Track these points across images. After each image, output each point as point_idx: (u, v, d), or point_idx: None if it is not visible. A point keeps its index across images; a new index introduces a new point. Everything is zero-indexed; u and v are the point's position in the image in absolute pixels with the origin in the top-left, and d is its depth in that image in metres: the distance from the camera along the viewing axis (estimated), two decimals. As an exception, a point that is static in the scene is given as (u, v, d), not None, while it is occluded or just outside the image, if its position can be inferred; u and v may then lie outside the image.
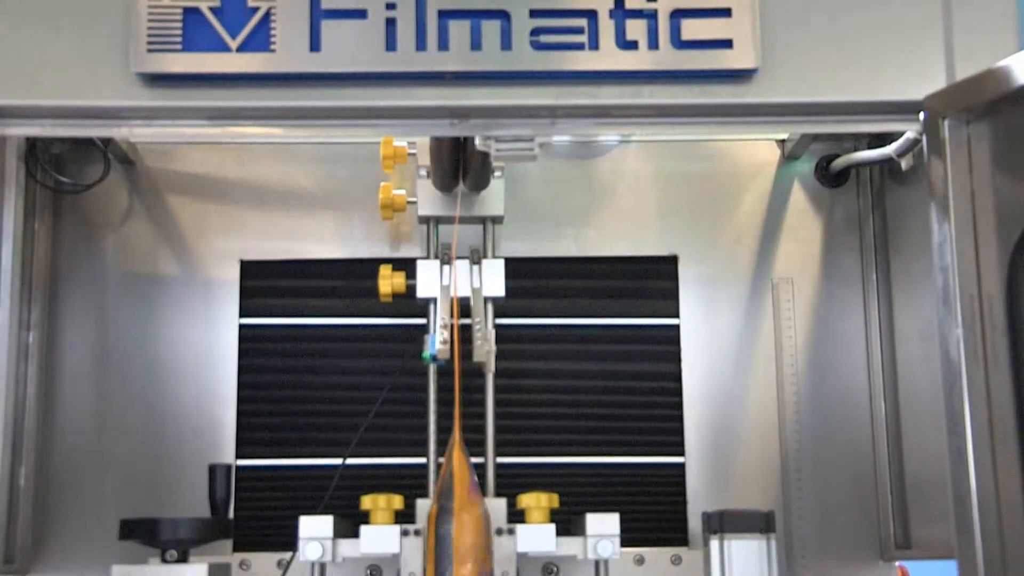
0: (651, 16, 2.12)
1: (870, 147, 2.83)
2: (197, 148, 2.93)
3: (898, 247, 2.86)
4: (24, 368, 2.70)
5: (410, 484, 2.61)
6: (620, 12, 2.12)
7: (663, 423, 2.87)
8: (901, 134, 2.60)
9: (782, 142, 2.98)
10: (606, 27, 2.11)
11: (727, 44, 2.11)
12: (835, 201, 2.97)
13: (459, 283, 2.62)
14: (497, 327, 2.69)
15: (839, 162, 2.91)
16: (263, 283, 2.90)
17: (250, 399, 2.84)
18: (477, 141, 2.19)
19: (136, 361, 2.83)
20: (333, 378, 2.87)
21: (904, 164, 2.65)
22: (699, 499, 2.78)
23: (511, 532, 2.41)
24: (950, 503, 1.69)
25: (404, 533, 2.40)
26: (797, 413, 2.85)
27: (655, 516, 2.81)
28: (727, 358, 2.89)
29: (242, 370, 2.85)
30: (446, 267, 2.64)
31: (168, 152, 2.93)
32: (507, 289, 2.67)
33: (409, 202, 2.74)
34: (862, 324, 2.90)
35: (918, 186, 2.65)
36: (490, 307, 2.67)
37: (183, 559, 2.29)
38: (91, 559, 2.64)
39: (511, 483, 2.61)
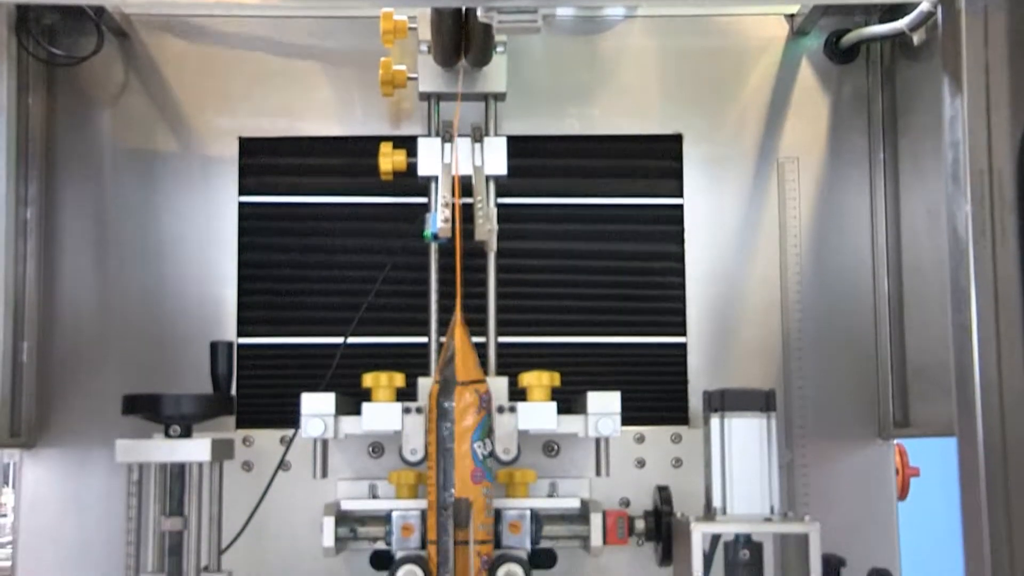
0: None
1: (881, 22, 2.77)
2: (193, 22, 2.87)
3: (907, 125, 2.81)
4: (23, 244, 2.70)
5: (412, 363, 2.62)
6: None
7: (665, 303, 2.87)
8: (914, 7, 2.54)
9: (791, 17, 2.91)
10: None
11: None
12: (843, 78, 2.91)
13: (461, 161, 2.59)
14: (499, 206, 2.67)
15: (849, 37, 2.85)
16: (262, 161, 2.87)
17: (251, 277, 2.84)
18: (479, 12, 2.13)
19: (136, 238, 2.82)
20: (334, 257, 2.86)
21: (916, 39, 2.60)
22: (700, 378, 2.80)
23: (512, 410, 2.43)
24: (952, 380, 1.69)
25: (406, 411, 2.41)
26: (800, 293, 2.85)
27: (656, 395, 2.83)
28: (730, 238, 2.88)
29: (242, 248, 2.84)
30: (447, 145, 2.60)
31: (164, 25, 2.87)
32: (509, 168, 2.64)
33: (410, 78, 2.69)
34: (867, 204, 2.88)
35: (929, 63, 2.60)
36: (492, 186, 2.64)
37: (186, 434, 2.31)
38: (96, 434, 2.67)
39: (513, 363, 2.62)
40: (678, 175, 2.89)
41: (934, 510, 3.67)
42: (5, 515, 2.91)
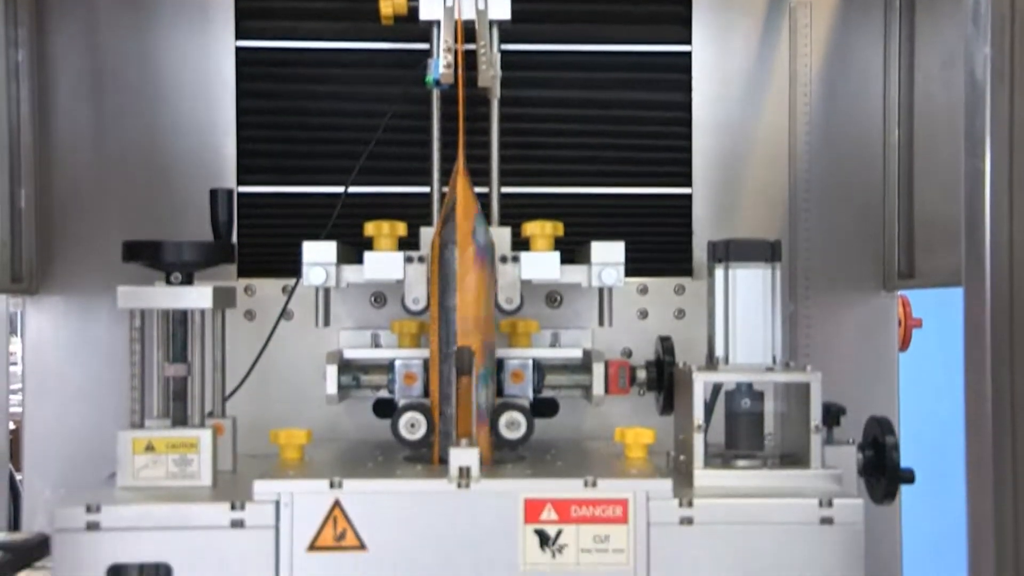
0: None
1: None
2: None
3: (924, -30, 2.73)
4: (15, 87, 2.65)
5: (414, 213, 2.60)
6: None
7: (671, 153, 2.84)
8: None
9: None
10: None
11: None
12: (860, -81, 2.82)
13: (463, 5, 2.51)
14: (502, 53, 2.60)
15: None
16: (259, 3, 2.79)
17: (250, 125, 2.80)
18: None
19: (131, 83, 2.78)
20: (334, 104, 2.81)
21: None
22: (704, 229, 2.78)
23: (515, 260, 2.41)
24: (962, 227, 1.66)
25: (408, 260, 2.40)
26: (808, 143, 2.81)
27: (660, 246, 2.81)
28: (739, 87, 2.82)
29: (240, 95, 2.79)
30: (450, -13, 2.52)
31: None
32: (513, 12, 2.55)
33: (411, -79, 2.59)
34: (880, 52, 2.82)
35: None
36: (495, 31, 2.56)
37: (188, 282, 2.30)
38: (97, 281, 2.67)
39: (516, 213, 2.59)
40: (686, 21, 2.82)
41: (932, 361, 3.70)
42: (15, 363, 2.94)
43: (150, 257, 2.29)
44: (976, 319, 1.64)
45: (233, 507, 2.05)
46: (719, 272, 2.32)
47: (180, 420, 2.32)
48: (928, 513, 3.34)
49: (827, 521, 2.07)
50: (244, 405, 2.53)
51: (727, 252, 2.31)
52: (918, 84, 2.74)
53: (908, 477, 2.27)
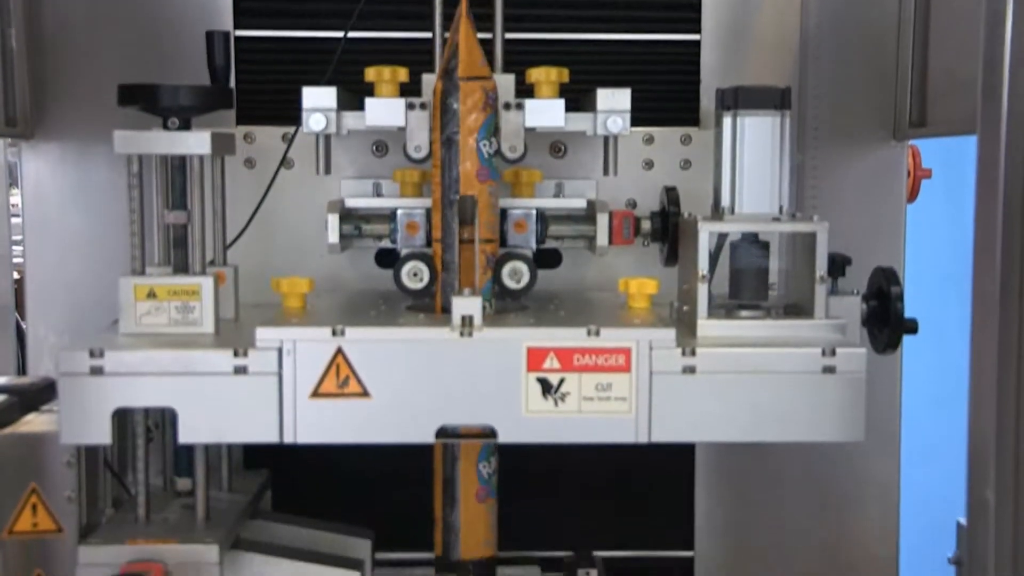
0: None
1: None
2: None
3: None
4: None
5: (416, 59, 2.53)
6: None
7: (679, -2, 2.76)
8: None
9: None
10: None
11: None
12: None
13: None
14: None
15: None
16: None
17: (245, -36, 2.71)
18: None
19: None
20: (332, -57, 2.72)
21: None
22: (713, 77, 2.71)
23: (519, 107, 2.36)
24: (979, 70, 1.62)
25: (410, 106, 2.35)
26: (822, -13, 2.72)
27: (667, 95, 2.76)
28: (751, -74, 2.72)
29: (235, -67, 2.70)
30: None
31: None
32: None
33: None
34: None
35: None
36: None
37: (185, 127, 2.25)
38: (94, 126, 2.62)
39: (520, 59, 2.52)
40: None
41: (939, 212, 3.69)
42: (17, 215, 2.92)
43: (146, 101, 2.24)
44: (989, 166, 1.61)
45: (236, 354, 2.05)
46: (727, 120, 2.27)
47: (181, 268, 2.31)
48: (928, 363, 3.37)
49: (829, 370, 2.07)
50: (245, 255, 2.52)
51: (735, 99, 2.25)
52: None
53: (911, 327, 2.27)
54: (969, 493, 1.56)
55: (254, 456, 2.69)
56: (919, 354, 2.83)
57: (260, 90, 2.72)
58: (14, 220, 3.17)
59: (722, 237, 2.32)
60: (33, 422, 2.25)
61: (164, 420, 2.42)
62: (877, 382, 2.16)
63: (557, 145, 2.74)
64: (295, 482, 2.74)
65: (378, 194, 2.70)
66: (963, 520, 2.74)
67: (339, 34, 2.59)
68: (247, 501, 2.43)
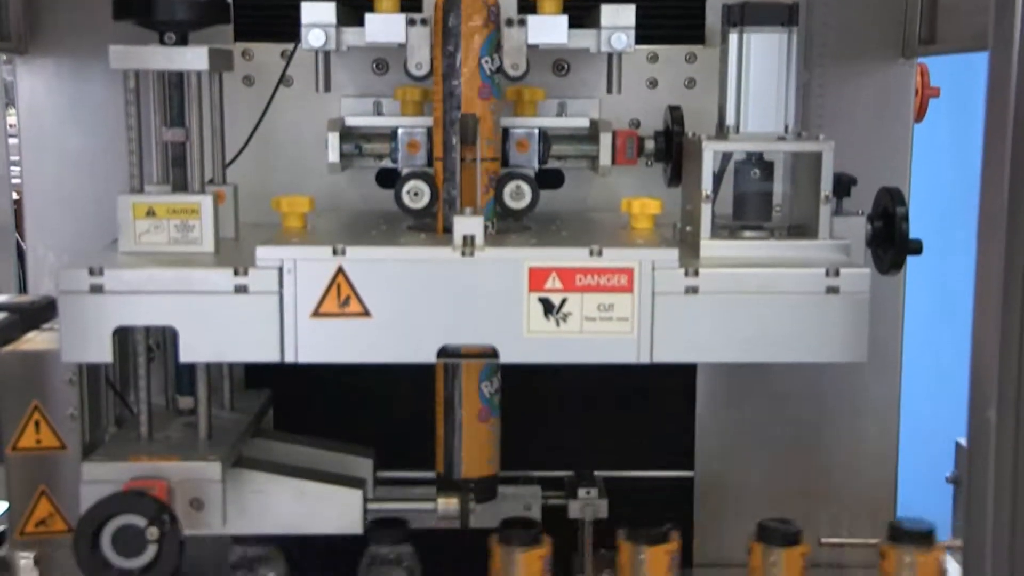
0: None
1: None
2: None
3: None
4: None
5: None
6: None
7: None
8: None
9: None
10: None
11: None
12: None
13: None
14: None
15: None
16: None
17: None
18: None
19: None
20: None
21: None
22: (719, -7, 2.66)
23: (521, 23, 2.32)
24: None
25: (410, 22, 2.30)
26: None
27: (671, 12, 2.70)
28: None
29: None
30: None
31: None
32: None
33: None
34: None
35: None
36: None
37: (182, 42, 2.22)
38: (89, 41, 2.58)
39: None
40: None
41: (944, 132, 3.66)
42: (15, 136, 2.89)
43: (141, 14, 2.20)
44: (1000, 84, 1.58)
45: (236, 273, 2.04)
46: (733, 38, 2.23)
47: (180, 186, 2.28)
48: (931, 285, 3.36)
49: (833, 291, 2.06)
50: (245, 174, 2.49)
51: (742, 16, 2.22)
52: None
53: (916, 248, 2.26)
54: (971, 413, 1.55)
55: (256, 376, 2.70)
56: (923, 275, 2.81)
57: (258, 5, 2.67)
58: (11, 140, 3.15)
59: (726, 157, 2.30)
60: (34, 340, 2.25)
61: (165, 339, 2.42)
62: (880, 303, 2.16)
63: (560, 63, 2.70)
64: (297, 402, 2.75)
65: (379, 113, 2.67)
66: (962, 440, 2.76)
67: (338, -53, 2.54)
68: (249, 420, 2.44)
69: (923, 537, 2.37)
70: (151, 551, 1.99)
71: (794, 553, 2.36)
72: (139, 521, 1.98)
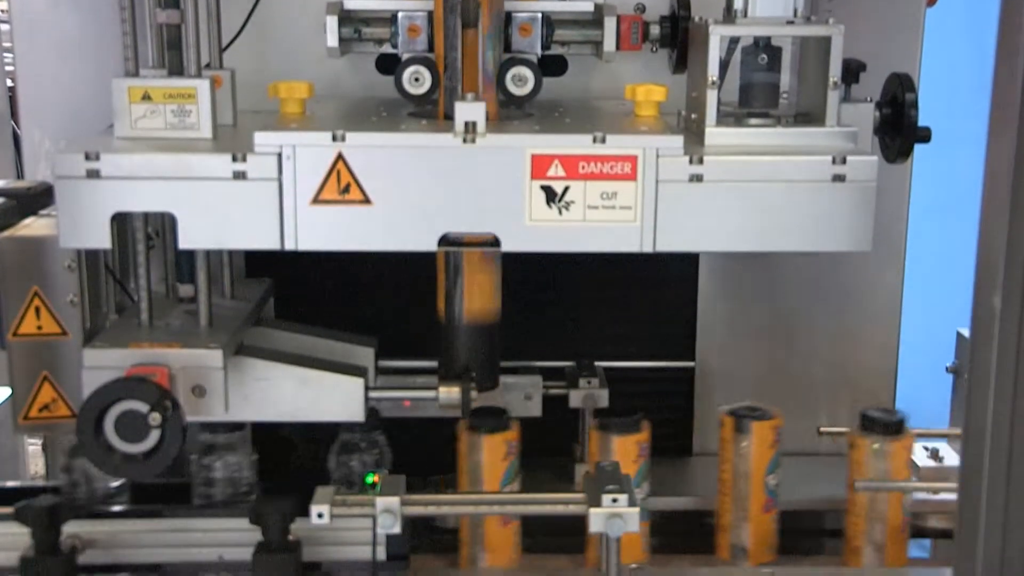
0: None
1: None
2: None
3: None
4: None
5: None
6: None
7: None
8: None
9: None
10: None
11: None
12: None
13: None
14: None
15: None
16: None
17: None
18: None
19: None
20: None
21: None
22: None
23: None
24: None
25: None
26: None
27: None
28: None
29: None
30: None
31: None
32: None
33: None
34: None
35: None
36: None
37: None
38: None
39: None
40: None
41: (958, 18, 3.58)
42: (6, 21, 2.83)
43: None
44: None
45: (235, 158, 2.01)
46: None
47: (176, 70, 2.24)
48: (938, 174, 3.33)
49: (839, 179, 2.04)
50: (242, 60, 2.45)
51: None
52: None
53: (924, 135, 2.22)
54: (975, 298, 1.54)
55: (256, 266, 2.68)
56: (930, 164, 2.78)
57: None
58: (3, 27, 3.09)
59: (733, 42, 2.25)
60: (32, 226, 2.24)
61: (164, 227, 2.40)
62: (885, 192, 2.13)
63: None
64: (298, 291, 2.75)
65: (378, -5, 2.61)
66: (963, 331, 2.77)
67: None
68: (249, 309, 2.44)
69: (893, 427, 2.38)
70: (154, 436, 2.00)
71: (764, 426, 2.40)
72: (141, 407, 1.99)
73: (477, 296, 2.32)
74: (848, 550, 2.45)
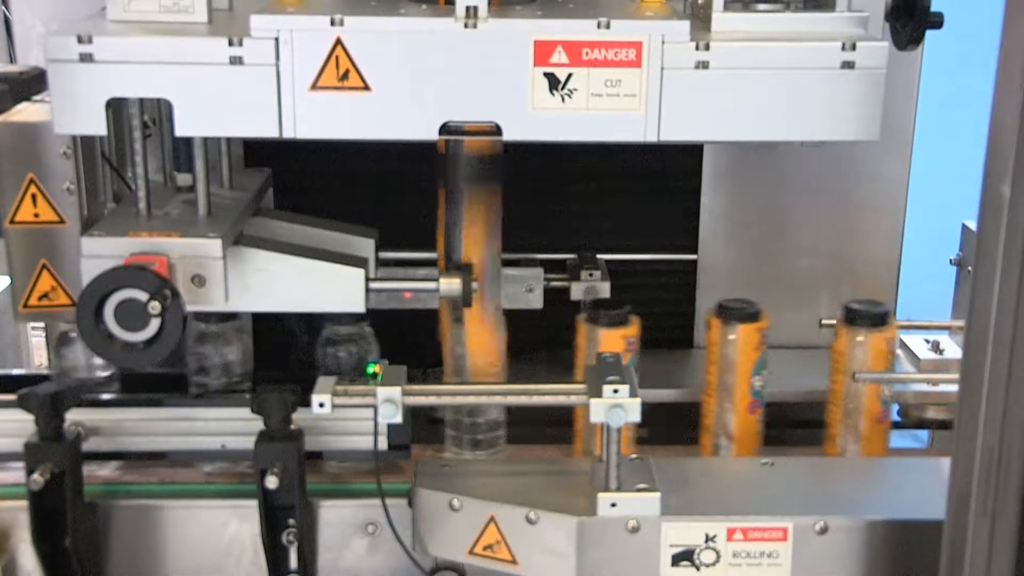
0: None
1: None
2: None
3: None
4: None
5: None
6: None
7: None
8: None
9: None
10: None
11: None
12: None
13: None
14: None
15: None
16: None
17: None
18: None
19: None
20: None
21: None
22: None
23: None
24: None
25: None
26: None
27: None
28: None
29: None
30: None
31: None
32: None
33: None
34: None
35: None
36: None
37: None
38: None
39: None
40: None
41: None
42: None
43: None
44: None
45: (231, 43, 1.97)
46: None
47: (169, -49, 2.18)
48: (949, 61, 3.27)
49: (848, 65, 1.99)
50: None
51: None
52: None
53: (936, 21, 2.17)
54: (984, 186, 1.52)
55: (254, 156, 2.65)
56: (941, 51, 2.73)
57: None
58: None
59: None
60: (26, 111, 2.20)
61: (160, 115, 2.36)
62: (895, 79, 2.09)
63: None
64: (297, 181, 2.72)
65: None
66: (968, 223, 2.74)
67: None
68: (249, 198, 2.41)
69: (877, 318, 2.37)
70: (154, 325, 1.99)
71: (750, 328, 2.39)
72: (141, 295, 1.98)
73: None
74: (826, 438, 2.46)
